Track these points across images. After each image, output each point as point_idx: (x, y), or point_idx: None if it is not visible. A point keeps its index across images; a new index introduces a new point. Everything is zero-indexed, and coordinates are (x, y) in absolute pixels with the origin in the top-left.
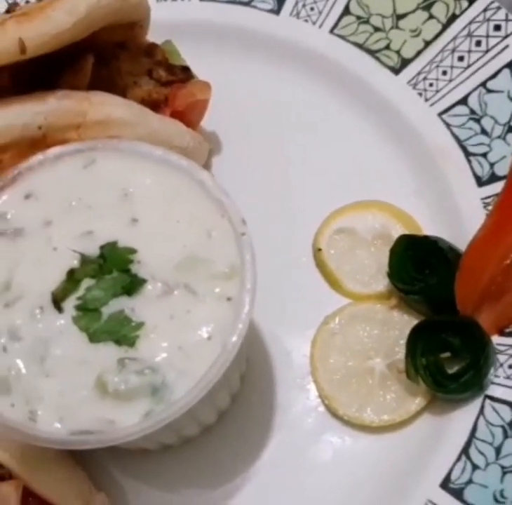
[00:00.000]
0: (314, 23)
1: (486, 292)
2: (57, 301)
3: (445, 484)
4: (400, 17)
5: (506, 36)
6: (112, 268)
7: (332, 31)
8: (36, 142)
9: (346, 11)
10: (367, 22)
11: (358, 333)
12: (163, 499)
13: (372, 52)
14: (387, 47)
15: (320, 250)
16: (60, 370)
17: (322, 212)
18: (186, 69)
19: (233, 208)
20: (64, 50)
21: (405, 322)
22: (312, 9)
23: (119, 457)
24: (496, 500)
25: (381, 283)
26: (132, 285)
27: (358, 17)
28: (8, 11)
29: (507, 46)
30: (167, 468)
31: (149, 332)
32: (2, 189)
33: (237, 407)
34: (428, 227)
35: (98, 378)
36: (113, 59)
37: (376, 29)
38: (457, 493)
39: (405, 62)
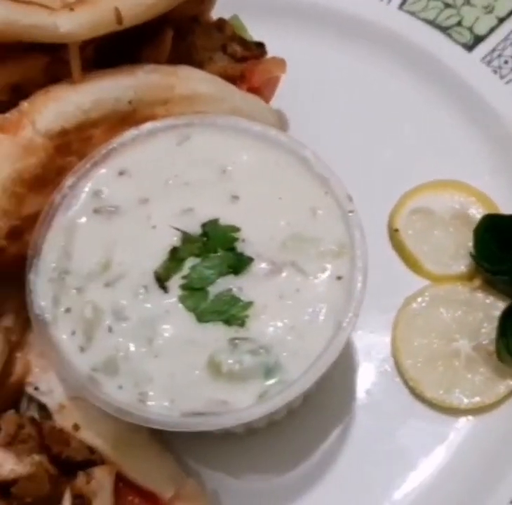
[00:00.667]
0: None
1: None
2: (162, 281)
3: None
4: None
5: None
6: (217, 247)
7: (401, 7)
8: (125, 117)
9: None
10: None
11: (440, 315)
12: (246, 483)
13: (443, 29)
14: (459, 23)
15: (397, 230)
16: (169, 351)
17: (396, 192)
18: (260, 45)
19: (338, 185)
20: (144, 23)
21: (490, 304)
22: None
23: (197, 442)
24: None
25: (462, 264)
26: (239, 264)
27: None
28: None
29: None
30: (253, 452)
31: (258, 312)
32: (95, 165)
33: (320, 389)
34: (505, 206)
35: (210, 358)
36: (188, 33)
37: (447, 6)
38: None
39: (478, 39)
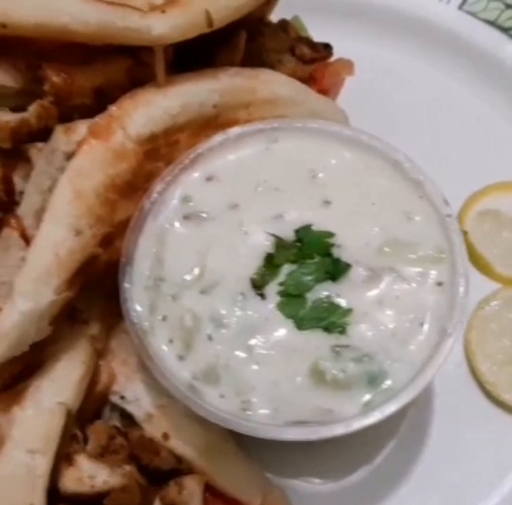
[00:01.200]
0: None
1: None
2: (259, 287)
3: None
4: None
5: None
6: (312, 253)
7: (460, 7)
8: (209, 121)
9: None
10: None
11: None
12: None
13: (504, 30)
14: None
15: (466, 232)
16: (271, 359)
17: (463, 193)
18: (327, 46)
19: (433, 188)
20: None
21: None
22: None
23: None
24: None
25: None
26: (336, 270)
27: None
28: None
29: None
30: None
31: (358, 319)
32: (183, 171)
33: None
34: None
35: (313, 366)
36: (258, 35)
37: (508, 6)
38: None
39: None
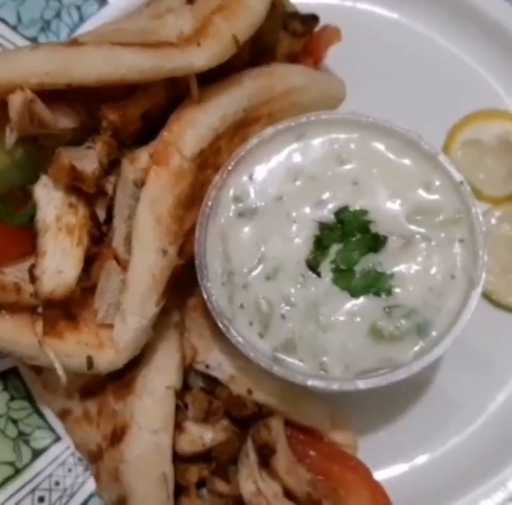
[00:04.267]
0: None
1: None
2: (314, 268)
3: None
4: None
5: None
6: (354, 231)
7: None
8: (240, 123)
9: None
10: None
11: (506, 232)
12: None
13: None
14: None
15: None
16: (335, 325)
17: (444, 125)
18: (315, 18)
19: (445, 160)
20: None
21: None
22: None
23: None
24: None
25: None
26: (376, 243)
27: None
28: (189, 1)
29: None
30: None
31: (400, 281)
32: (229, 175)
33: None
34: None
35: (372, 326)
36: None
37: None
38: None
39: None
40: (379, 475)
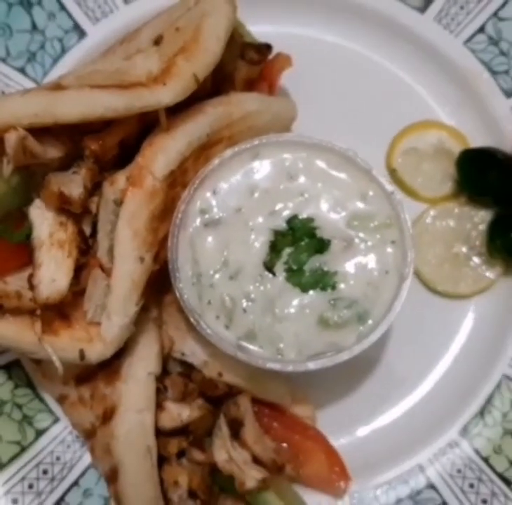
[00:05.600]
0: None
1: None
2: (270, 268)
3: None
4: None
5: None
6: (302, 236)
7: None
8: (204, 146)
9: None
10: None
11: (440, 229)
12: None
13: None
14: None
15: (394, 170)
16: (289, 316)
17: (386, 137)
18: (268, 47)
19: (378, 174)
20: None
21: (475, 215)
22: None
23: None
24: None
25: (448, 187)
26: (322, 246)
27: None
28: (156, 43)
29: None
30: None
31: (343, 277)
32: (196, 191)
33: None
34: (472, 135)
35: (319, 316)
36: None
37: None
38: None
39: (428, 2)
40: (335, 442)
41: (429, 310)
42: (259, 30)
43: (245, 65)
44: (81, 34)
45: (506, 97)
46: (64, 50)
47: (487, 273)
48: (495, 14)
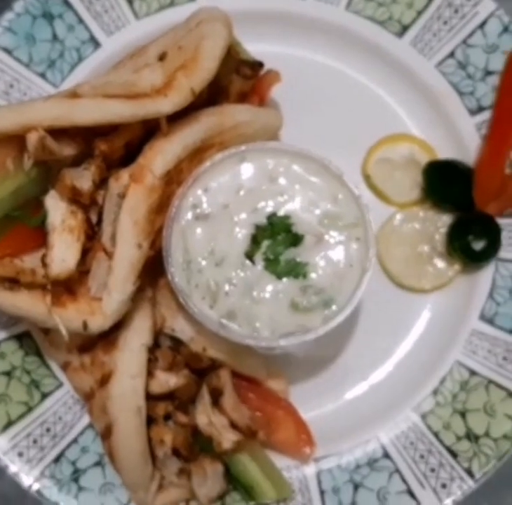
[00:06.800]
0: (332, 3)
1: (493, 191)
2: (250, 258)
3: (482, 317)
4: None
5: (475, 4)
6: (280, 231)
7: (347, 8)
8: (198, 149)
9: None
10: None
11: (407, 230)
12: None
13: (379, 23)
14: (390, 18)
15: (369, 176)
16: (265, 300)
17: (365, 147)
18: (260, 64)
19: (348, 179)
20: None
21: (438, 219)
22: None
23: None
24: None
25: (415, 193)
26: (295, 240)
27: None
28: (160, 58)
29: (477, 12)
30: None
31: (313, 268)
32: (189, 188)
33: None
34: (440, 148)
35: (291, 301)
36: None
37: (380, 5)
38: (490, 320)
39: (405, 28)
40: (305, 414)
41: (395, 301)
42: (254, 48)
43: (239, 79)
44: (96, 44)
45: (470, 116)
46: (80, 59)
47: (446, 272)
48: (464, 41)
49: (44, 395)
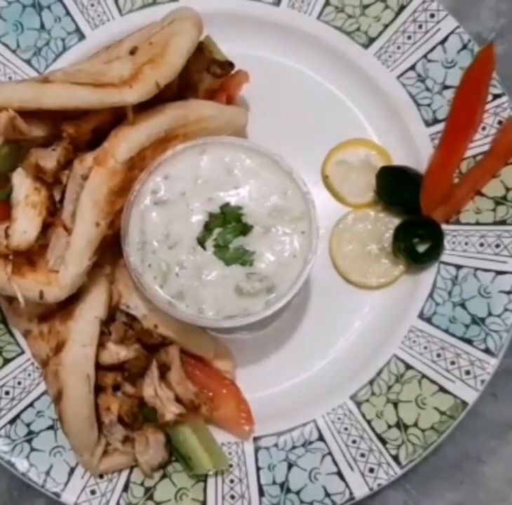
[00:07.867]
0: (305, 12)
1: (440, 198)
2: (202, 243)
3: (421, 315)
4: (365, 7)
5: (438, 22)
6: (231, 220)
7: (319, 17)
8: (162, 139)
9: (327, 2)
10: (342, 10)
11: (358, 229)
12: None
13: (347, 33)
14: (358, 29)
15: (327, 176)
16: (212, 283)
17: (325, 149)
18: (230, 64)
19: (298, 176)
20: None
21: (389, 221)
22: (302, 1)
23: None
24: (450, 321)
25: (369, 195)
26: (245, 230)
27: (336, 7)
28: (131, 52)
29: (439, 29)
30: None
31: (259, 257)
32: (150, 175)
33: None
34: (395, 155)
35: (236, 286)
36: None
37: (350, 16)
38: (428, 319)
39: (371, 40)
40: (248, 396)
41: (341, 296)
42: (227, 49)
43: (209, 77)
44: (81, 36)
45: (426, 126)
46: (65, 49)
47: (392, 271)
48: (425, 56)
49: (6, 361)
